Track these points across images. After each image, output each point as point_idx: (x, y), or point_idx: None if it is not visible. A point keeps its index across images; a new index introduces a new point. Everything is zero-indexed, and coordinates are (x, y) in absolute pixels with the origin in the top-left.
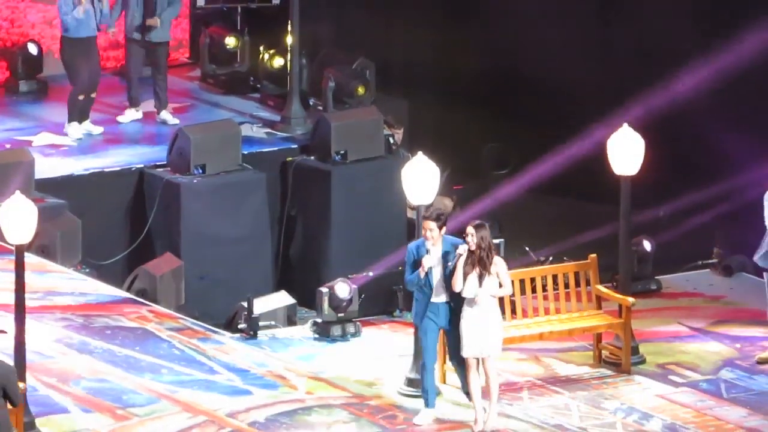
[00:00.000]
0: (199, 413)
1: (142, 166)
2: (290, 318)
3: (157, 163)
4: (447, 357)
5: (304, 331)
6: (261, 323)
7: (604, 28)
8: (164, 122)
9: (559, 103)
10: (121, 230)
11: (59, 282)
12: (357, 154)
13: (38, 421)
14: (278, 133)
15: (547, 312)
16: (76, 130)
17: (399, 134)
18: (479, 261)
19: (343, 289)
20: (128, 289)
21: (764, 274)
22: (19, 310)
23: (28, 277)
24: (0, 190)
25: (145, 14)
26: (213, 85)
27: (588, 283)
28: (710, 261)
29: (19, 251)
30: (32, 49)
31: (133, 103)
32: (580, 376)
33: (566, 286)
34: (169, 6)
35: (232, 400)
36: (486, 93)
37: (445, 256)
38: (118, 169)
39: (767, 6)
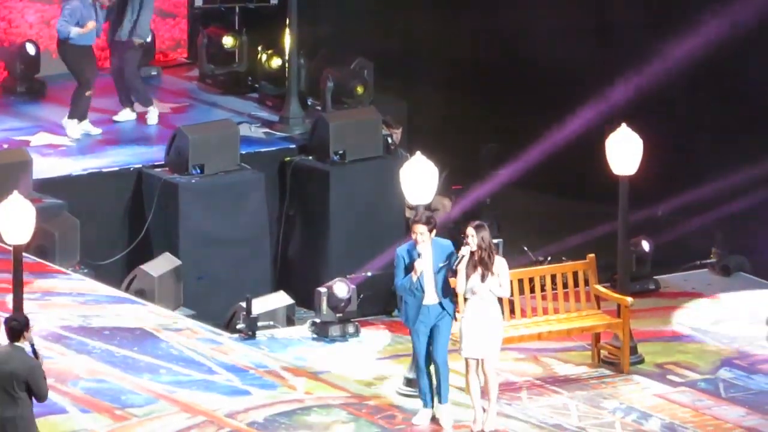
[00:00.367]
0: (198, 413)
1: (140, 166)
2: (289, 318)
3: (155, 163)
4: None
5: (302, 331)
6: (260, 323)
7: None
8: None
9: (560, 102)
10: (120, 230)
11: (57, 282)
12: (355, 154)
13: (37, 422)
14: (276, 133)
15: (545, 312)
16: (75, 128)
17: (397, 134)
18: (480, 261)
19: (341, 289)
20: (127, 290)
21: None
22: (18, 310)
23: (26, 278)
24: None
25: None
26: (211, 85)
27: (587, 283)
28: (708, 261)
29: (17, 251)
30: (30, 49)
31: (127, 103)
32: (579, 375)
33: (565, 286)
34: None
35: (231, 400)
36: (485, 92)
37: (436, 259)
38: (116, 169)
39: None
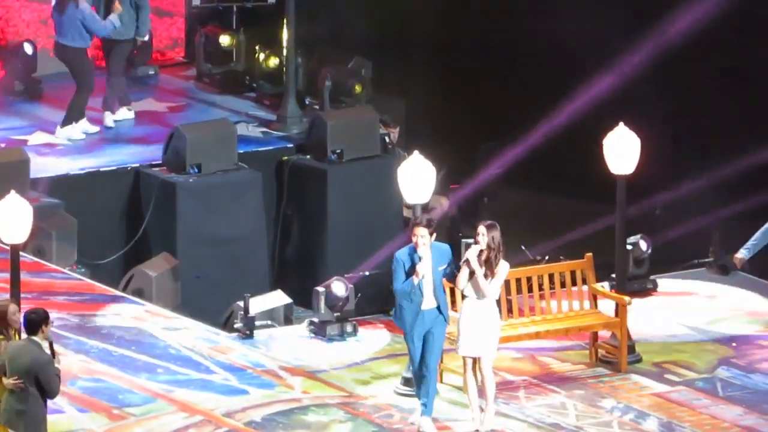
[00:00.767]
0: (196, 413)
1: (137, 165)
2: (287, 317)
3: (153, 163)
4: (442, 356)
5: (300, 330)
6: (257, 323)
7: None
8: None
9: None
10: (117, 230)
11: (55, 282)
12: (353, 153)
13: None
14: (274, 132)
15: (543, 311)
16: (73, 131)
17: (395, 133)
18: (486, 261)
19: (339, 288)
20: (124, 289)
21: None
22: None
23: (24, 277)
24: None
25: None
26: (208, 84)
27: (584, 282)
28: (706, 260)
29: (15, 251)
30: (27, 48)
31: (125, 102)
32: (577, 375)
33: (562, 285)
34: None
35: (229, 399)
36: (483, 91)
37: (435, 263)
38: (113, 168)
39: None
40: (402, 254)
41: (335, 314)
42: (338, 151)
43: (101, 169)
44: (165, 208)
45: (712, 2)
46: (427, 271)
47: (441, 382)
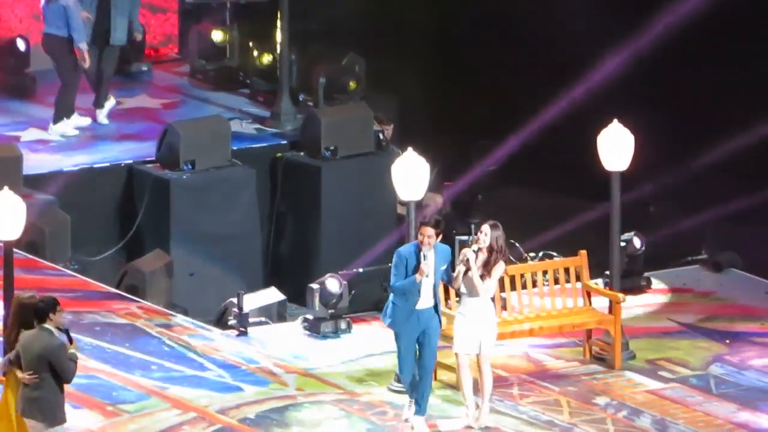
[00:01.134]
0: (190, 410)
1: (131, 162)
2: (281, 314)
3: (147, 159)
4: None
5: (294, 327)
6: (251, 319)
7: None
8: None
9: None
10: (111, 226)
11: (48, 279)
12: (347, 150)
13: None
14: (268, 129)
15: (537, 308)
16: (65, 127)
17: (389, 130)
18: (485, 263)
19: (333, 284)
20: (118, 286)
21: None
22: (8, 307)
23: (17, 274)
24: None
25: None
26: (202, 81)
27: (578, 279)
28: (700, 257)
29: (8, 248)
30: (20, 44)
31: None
32: (571, 372)
33: (556, 282)
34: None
35: (223, 396)
36: (477, 89)
37: (437, 263)
38: (107, 165)
39: None
40: (405, 251)
41: (329, 311)
42: (332, 148)
43: (95, 166)
44: (159, 204)
45: None
46: (431, 271)
47: (436, 379)
